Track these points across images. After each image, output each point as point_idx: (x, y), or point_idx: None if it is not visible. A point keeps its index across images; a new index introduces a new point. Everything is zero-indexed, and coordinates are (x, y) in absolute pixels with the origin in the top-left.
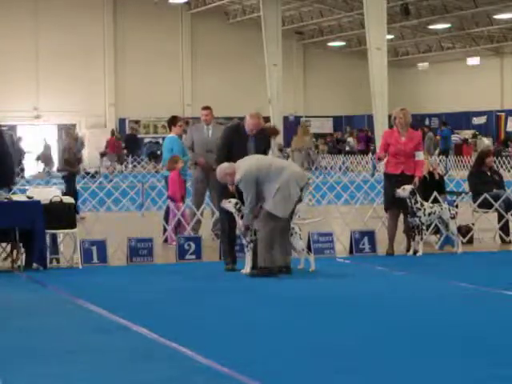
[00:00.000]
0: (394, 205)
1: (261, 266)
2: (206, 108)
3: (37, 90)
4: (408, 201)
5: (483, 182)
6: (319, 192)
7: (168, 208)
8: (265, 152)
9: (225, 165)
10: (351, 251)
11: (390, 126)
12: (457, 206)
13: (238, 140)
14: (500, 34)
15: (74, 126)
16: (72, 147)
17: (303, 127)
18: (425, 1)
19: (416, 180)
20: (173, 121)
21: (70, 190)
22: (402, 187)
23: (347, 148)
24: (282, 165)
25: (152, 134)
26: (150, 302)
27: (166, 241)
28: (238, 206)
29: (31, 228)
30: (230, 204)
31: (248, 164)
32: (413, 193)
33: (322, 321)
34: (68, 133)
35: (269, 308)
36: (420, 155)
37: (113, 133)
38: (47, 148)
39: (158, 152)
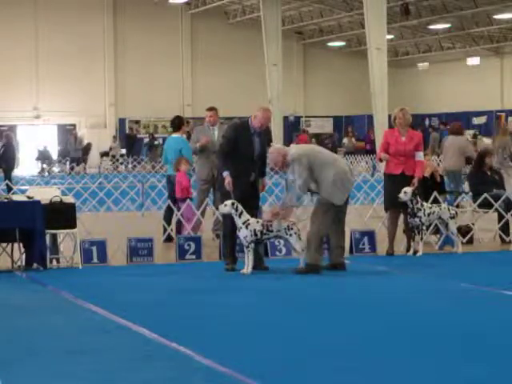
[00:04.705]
0: (394, 205)
1: (309, 262)
2: (211, 109)
3: (37, 90)
4: (409, 202)
5: (483, 181)
6: None
7: (168, 208)
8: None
9: (277, 146)
10: (351, 251)
11: (390, 126)
12: (457, 206)
13: (244, 136)
14: (500, 34)
15: (73, 126)
16: None
17: (503, 127)
18: (425, 1)
19: (415, 180)
20: (181, 121)
21: None
22: (403, 191)
23: (343, 149)
24: (335, 155)
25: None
26: (150, 302)
27: (166, 240)
28: (234, 205)
29: (31, 228)
30: (226, 207)
31: (301, 147)
32: (413, 194)
33: (322, 320)
34: None
35: (269, 308)
36: (420, 155)
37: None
38: (46, 149)
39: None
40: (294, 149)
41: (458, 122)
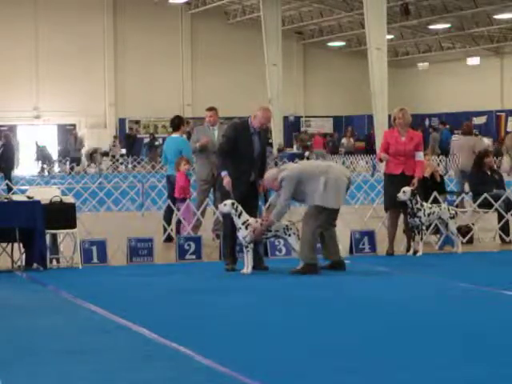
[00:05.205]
0: (394, 205)
1: (305, 263)
2: (211, 109)
3: (37, 90)
4: (408, 202)
5: (483, 182)
6: None
7: (168, 208)
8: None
9: (273, 171)
10: (351, 251)
11: (390, 126)
12: (457, 206)
13: (244, 136)
14: (500, 34)
15: (73, 126)
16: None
17: None
18: (425, 1)
19: (415, 180)
20: (180, 121)
21: None
22: (402, 190)
23: (342, 149)
24: (328, 164)
25: None
26: (150, 301)
27: (166, 240)
28: (234, 205)
29: (31, 228)
30: (226, 207)
31: (294, 166)
32: (413, 194)
33: (322, 320)
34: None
35: (269, 308)
36: (420, 155)
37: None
38: (45, 148)
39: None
40: (287, 170)
41: (468, 122)
